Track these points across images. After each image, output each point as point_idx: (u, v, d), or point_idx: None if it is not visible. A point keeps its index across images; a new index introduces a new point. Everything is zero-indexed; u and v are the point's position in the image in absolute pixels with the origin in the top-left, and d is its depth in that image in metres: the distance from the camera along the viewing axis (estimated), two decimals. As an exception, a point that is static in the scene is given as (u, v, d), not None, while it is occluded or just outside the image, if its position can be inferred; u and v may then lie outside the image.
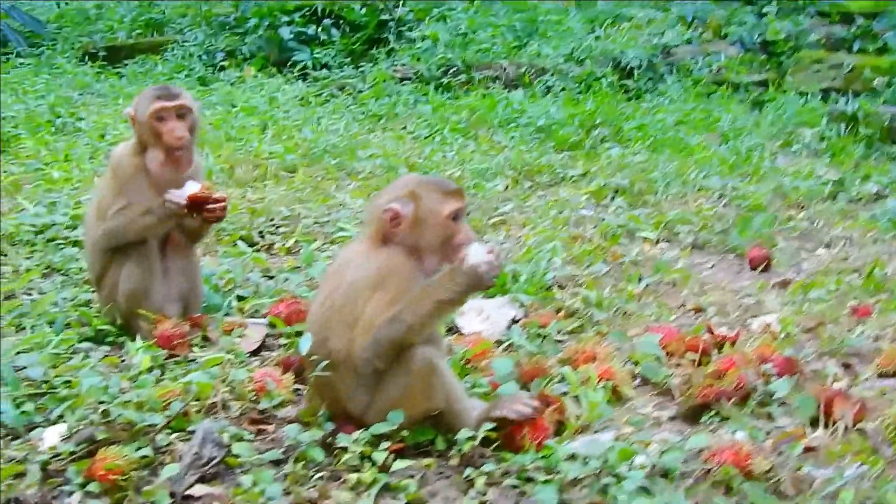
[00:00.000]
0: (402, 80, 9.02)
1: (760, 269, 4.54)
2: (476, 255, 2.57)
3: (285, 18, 10.15)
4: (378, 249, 2.65)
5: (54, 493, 2.45)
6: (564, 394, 2.93)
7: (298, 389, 2.96)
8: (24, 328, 3.43)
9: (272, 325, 3.49)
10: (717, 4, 11.52)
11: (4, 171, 5.55)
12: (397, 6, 10.41)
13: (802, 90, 8.71)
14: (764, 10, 11.10)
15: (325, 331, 2.64)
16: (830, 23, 11.02)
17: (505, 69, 9.20)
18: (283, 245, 4.58)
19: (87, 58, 10.10)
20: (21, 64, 9.62)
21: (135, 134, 3.50)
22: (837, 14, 11.34)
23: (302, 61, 9.62)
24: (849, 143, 7.11)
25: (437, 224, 2.66)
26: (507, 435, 2.67)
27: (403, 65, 9.38)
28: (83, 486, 2.43)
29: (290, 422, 2.76)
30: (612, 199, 5.55)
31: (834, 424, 2.88)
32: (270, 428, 2.81)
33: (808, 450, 2.75)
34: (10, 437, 2.67)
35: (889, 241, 4.97)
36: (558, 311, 3.78)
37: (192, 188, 3.36)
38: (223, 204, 3.43)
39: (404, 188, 2.71)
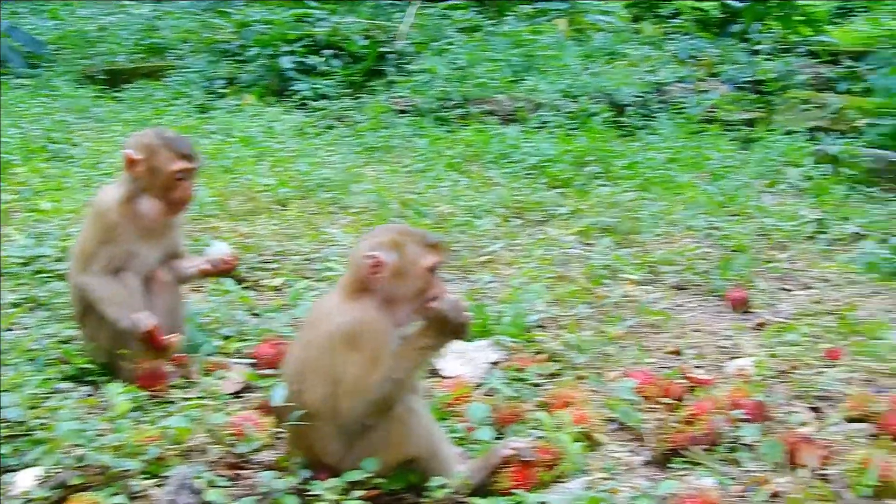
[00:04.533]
0: (399, 112, 9.16)
1: (740, 310, 4.65)
2: (448, 304, 2.68)
3: (286, 48, 10.32)
4: (353, 302, 2.69)
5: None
6: (539, 439, 3.02)
7: (278, 433, 3.01)
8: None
9: (255, 367, 3.57)
10: (711, 43, 11.69)
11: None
12: (398, 39, 10.59)
13: (790, 129, 8.83)
14: (755, 49, 11.28)
15: (300, 383, 2.70)
16: (818, 63, 11.20)
17: (501, 103, 9.34)
18: (271, 283, 4.68)
19: (85, 80, 10.26)
20: (19, 85, 9.73)
21: (130, 178, 3.50)
22: (826, 54, 11.53)
23: (301, 91, 9.78)
24: (832, 183, 7.22)
25: (416, 275, 2.73)
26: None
27: (402, 97, 9.53)
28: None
29: (267, 467, 2.83)
30: (600, 238, 5.65)
31: (800, 470, 2.99)
32: (247, 473, 2.87)
33: (774, 496, 2.86)
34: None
35: (864, 284, 5.07)
36: (539, 353, 3.88)
37: (220, 249, 3.46)
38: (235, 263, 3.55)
39: (387, 236, 2.77)
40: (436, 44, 10.73)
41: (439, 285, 2.78)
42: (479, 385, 3.53)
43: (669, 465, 3.06)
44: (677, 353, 4.05)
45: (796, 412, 3.46)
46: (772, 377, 3.77)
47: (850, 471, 2.96)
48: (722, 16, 13.07)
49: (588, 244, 5.58)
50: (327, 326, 2.69)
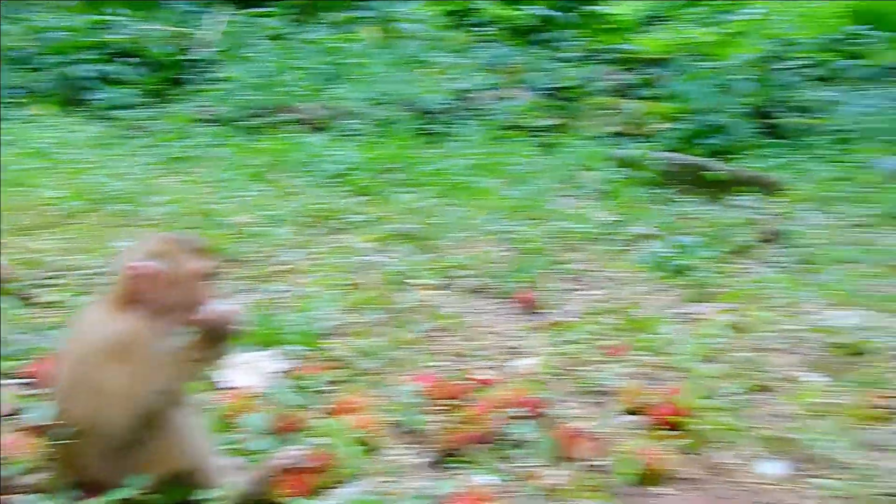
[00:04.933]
0: (203, 121, 8.98)
1: (530, 311, 4.77)
2: (220, 311, 2.64)
3: (84, 55, 9.97)
4: (120, 313, 2.61)
5: None
6: (318, 446, 3.02)
7: (49, 454, 2.88)
8: None
9: (31, 385, 3.43)
10: (520, 51, 12.01)
11: None
12: (202, 46, 10.38)
13: (591, 134, 9.15)
14: (559, 56, 11.66)
15: (69, 399, 2.60)
16: (622, 70, 11.68)
17: (308, 112, 9.30)
18: (55, 299, 4.50)
19: None
20: None
21: None
22: (630, 61, 12.04)
23: (100, 100, 9.46)
24: (627, 186, 7.52)
25: (185, 284, 2.67)
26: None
27: (206, 106, 9.36)
28: None
29: (36, 490, 2.72)
30: (399, 244, 5.69)
31: (574, 463, 3.10)
32: (15, 498, 2.73)
33: (548, 489, 2.95)
34: None
35: (649, 282, 5.30)
36: (328, 361, 3.87)
37: None
38: None
39: (155, 245, 2.71)
40: (243, 51, 10.60)
41: (210, 293, 2.72)
42: (262, 394, 3.49)
43: (449, 466, 3.11)
44: (466, 355, 4.13)
45: (575, 407, 3.58)
46: (555, 375, 3.88)
47: (620, 461, 3.09)
48: (533, 25, 13.44)
49: (386, 251, 5.61)
50: (94, 339, 2.59)
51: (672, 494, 3.01)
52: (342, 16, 12.49)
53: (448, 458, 3.14)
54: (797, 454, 3.29)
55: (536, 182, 7.56)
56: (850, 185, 8.31)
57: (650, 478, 3.03)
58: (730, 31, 13.94)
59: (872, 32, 15.59)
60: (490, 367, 3.95)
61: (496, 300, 4.97)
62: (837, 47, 14.78)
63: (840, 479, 3.09)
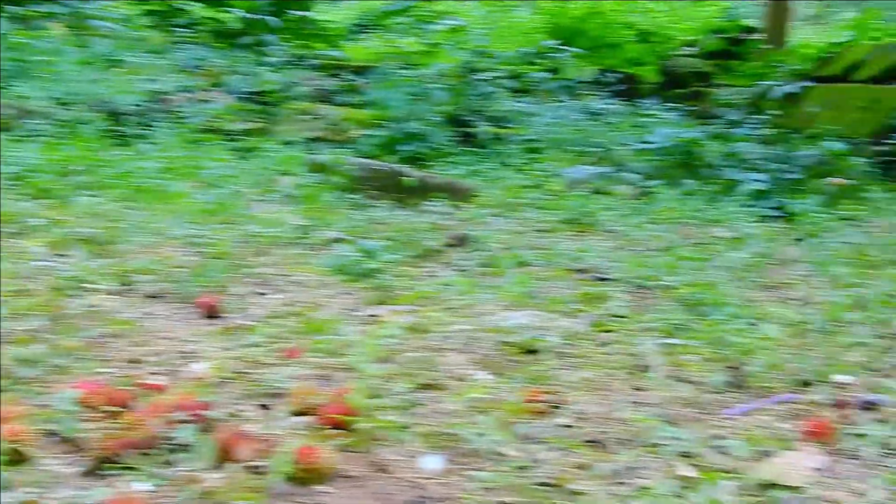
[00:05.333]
0: None
1: (211, 316, 4.71)
2: None
3: None
4: None
5: None
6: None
7: None
8: None
9: None
10: (222, 54, 11.84)
11: None
12: None
13: (288, 140, 9.18)
14: (263, 61, 11.61)
15: None
16: (324, 76, 11.79)
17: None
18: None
19: None
20: None
21: None
22: (335, 68, 12.18)
23: None
24: (320, 191, 7.60)
25: None
26: None
27: None
28: None
29: None
30: (75, 249, 5.45)
31: (235, 465, 3.08)
32: None
33: (204, 493, 2.92)
34: None
35: (333, 285, 5.38)
36: (-21, 370, 3.65)
37: None
38: None
39: None
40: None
41: None
42: None
43: (104, 473, 3.01)
44: (136, 361, 4.01)
45: (243, 410, 3.56)
46: (228, 378, 3.85)
47: (280, 461, 3.10)
48: (239, 29, 13.30)
49: (60, 255, 5.35)
50: None
51: (331, 492, 3.06)
52: (27, 10, 11.81)
53: (105, 465, 3.03)
54: (458, 449, 3.43)
55: (230, 186, 7.48)
56: (536, 193, 8.82)
57: (311, 477, 3.06)
58: (433, 41, 14.41)
59: (568, 48, 16.65)
60: (162, 373, 3.86)
61: (176, 305, 4.87)
62: (534, 61, 15.66)
63: (498, 471, 3.24)
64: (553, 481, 3.09)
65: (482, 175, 9.47)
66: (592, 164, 10.03)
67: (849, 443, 3.57)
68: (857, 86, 13.62)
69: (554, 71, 14.75)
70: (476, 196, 8.20)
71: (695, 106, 16.60)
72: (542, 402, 3.77)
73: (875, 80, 13.47)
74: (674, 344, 4.57)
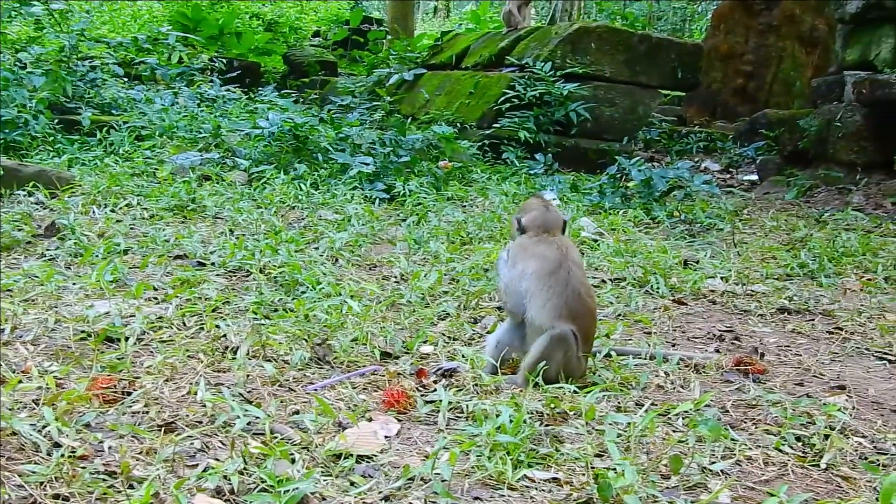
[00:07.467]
0: None
1: None
2: None
3: None
4: None
5: None
6: None
7: None
8: None
9: None
10: None
11: None
12: None
13: None
14: None
15: None
16: None
17: None
18: None
19: None
20: None
21: None
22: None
23: None
24: None
25: None
26: None
27: None
28: None
29: None
30: None
31: None
32: None
33: None
34: None
35: None
36: None
37: None
38: None
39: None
40: None
41: None
42: None
43: None
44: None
45: None
46: None
47: None
48: None
49: None
50: None
51: None
52: None
53: None
54: (12, 444, 3.22)
55: None
56: (141, 180, 8.54)
57: None
58: (35, 25, 13.49)
59: (187, 36, 16.27)
60: None
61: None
62: (153, 47, 15.16)
63: (51, 463, 3.05)
64: (114, 469, 2.97)
65: (85, 163, 9.02)
66: (201, 150, 9.86)
67: (424, 409, 3.75)
68: (466, 73, 14.46)
69: (169, 58, 14.36)
70: (75, 185, 7.77)
71: (318, 93, 16.89)
72: (112, 389, 3.62)
73: (482, 66, 14.35)
74: (263, 324, 4.57)
